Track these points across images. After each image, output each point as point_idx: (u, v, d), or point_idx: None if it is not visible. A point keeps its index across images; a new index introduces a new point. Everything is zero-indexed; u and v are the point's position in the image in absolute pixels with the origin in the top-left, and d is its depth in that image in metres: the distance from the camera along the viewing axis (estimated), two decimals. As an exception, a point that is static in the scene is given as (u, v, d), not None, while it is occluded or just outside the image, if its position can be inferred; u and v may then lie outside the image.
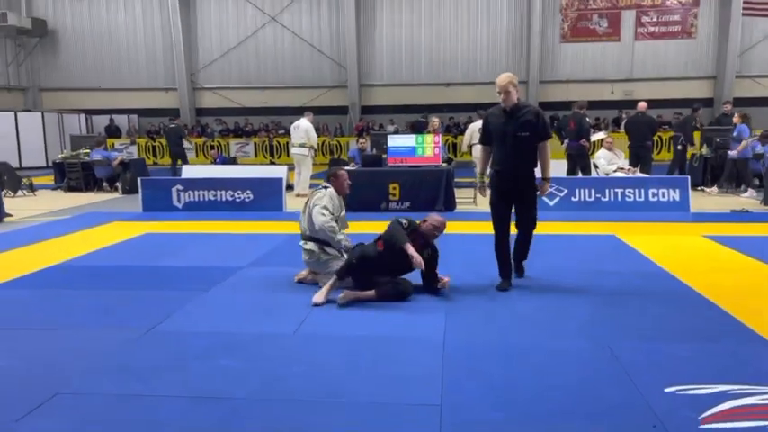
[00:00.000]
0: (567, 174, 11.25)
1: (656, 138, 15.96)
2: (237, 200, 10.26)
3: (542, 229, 8.30)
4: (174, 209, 10.20)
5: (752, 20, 21.47)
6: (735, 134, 11.76)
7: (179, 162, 15.20)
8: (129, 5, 24.34)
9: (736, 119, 12.08)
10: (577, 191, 9.83)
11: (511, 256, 5.42)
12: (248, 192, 10.27)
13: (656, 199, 9.72)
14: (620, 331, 4.24)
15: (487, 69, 23.05)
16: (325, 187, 5.64)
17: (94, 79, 24.74)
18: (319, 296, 4.93)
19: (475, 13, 23.10)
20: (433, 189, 9.82)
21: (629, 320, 4.47)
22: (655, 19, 22.24)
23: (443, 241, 5.49)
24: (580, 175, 11.17)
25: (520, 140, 5.06)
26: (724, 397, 3.20)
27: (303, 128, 12.57)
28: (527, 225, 5.35)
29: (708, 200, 11.05)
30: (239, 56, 24.14)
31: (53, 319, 4.67)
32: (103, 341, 4.14)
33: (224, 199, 10.26)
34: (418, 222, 5.20)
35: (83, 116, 23.31)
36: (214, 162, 14.59)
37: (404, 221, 5.10)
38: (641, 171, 11.24)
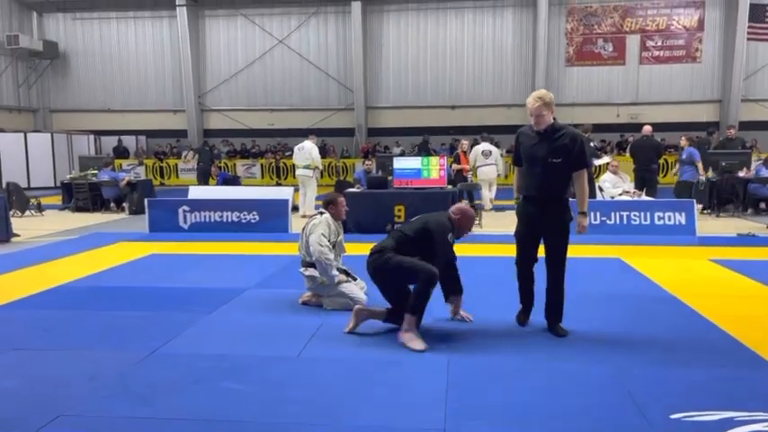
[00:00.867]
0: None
1: (661, 161, 15.98)
2: (243, 221, 10.29)
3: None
4: (181, 229, 10.23)
5: (756, 44, 21.59)
6: (684, 157, 11.95)
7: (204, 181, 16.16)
8: (140, 28, 24.72)
9: (683, 142, 12.39)
10: (583, 214, 9.81)
11: (533, 289, 4.82)
12: (254, 213, 10.30)
13: (661, 222, 9.69)
14: (625, 356, 4.21)
15: (493, 92, 23.24)
16: (321, 213, 5.60)
17: (104, 101, 25.06)
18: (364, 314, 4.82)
19: (480, 36, 23.33)
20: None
21: (635, 345, 4.44)
22: (659, 43, 22.40)
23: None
24: None
25: (551, 167, 4.48)
26: (730, 424, 3.16)
27: (307, 149, 12.65)
28: (554, 266, 4.59)
29: (714, 223, 11.02)
30: (247, 78, 24.41)
31: (57, 340, 4.67)
32: (107, 363, 4.14)
33: (230, 220, 10.29)
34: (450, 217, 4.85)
35: (92, 137, 23.54)
36: (216, 181, 14.78)
37: (450, 237, 4.67)
38: (647, 194, 11.23)
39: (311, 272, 5.44)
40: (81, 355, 4.31)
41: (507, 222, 10.25)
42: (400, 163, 10.28)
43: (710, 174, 12.55)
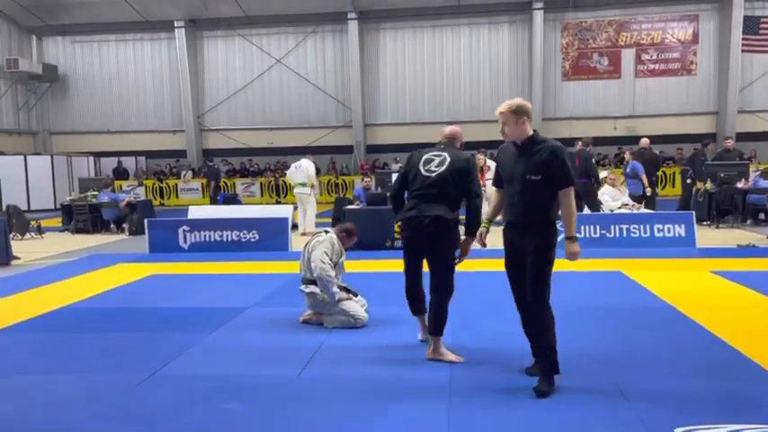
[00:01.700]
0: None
1: (660, 173, 16.03)
2: (243, 240, 10.29)
3: (548, 266, 8.32)
4: (181, 249, 10.23)
5: (751, 56, 21.72)
6: (628, 170, 12.08)
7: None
8: (139, 50, 24.90)
9: (627, 156, 12.58)
10: (582, 227, 9.81)
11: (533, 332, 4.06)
12: (254, 232, 10.30)
13: (661, 234, 9.69)
14: (628, 369, 4.19)
15: (490, 107, 23.15)
16: (326, 231, 5.62)
17: (103, 122, 25.17)
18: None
19: (477, 52, 23.49)
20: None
21: (638, 358, 4.42)
22: (654, 57, 22.55)
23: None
24: (586, 211, 11.17)
25: (530, 185, 3.86)
26: (735, 437, 3.15)
27: (304, 167, 12.69)
28: (531, 300, 3.92)
29: (713, 235, 11.02)
30: (245, 97, 24.54)
31: (56, 364, 4.66)
32: (108, 385, 4.12)
33: (230, 239, 10.29)
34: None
35: (91, 159, 23.60)
36: (216, 200, 14.86)
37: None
38: (646, 207, 11.24)
39: (312, 289, 5.43)
40: (80, 379, 4.29)
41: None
42: (399, 179, 10.28)
43: (709, 185, 12.59)
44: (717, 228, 11.82)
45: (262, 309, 6.22)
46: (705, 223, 12.00)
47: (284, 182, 21.79)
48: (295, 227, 12.27)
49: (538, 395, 3.74)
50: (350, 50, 23.23)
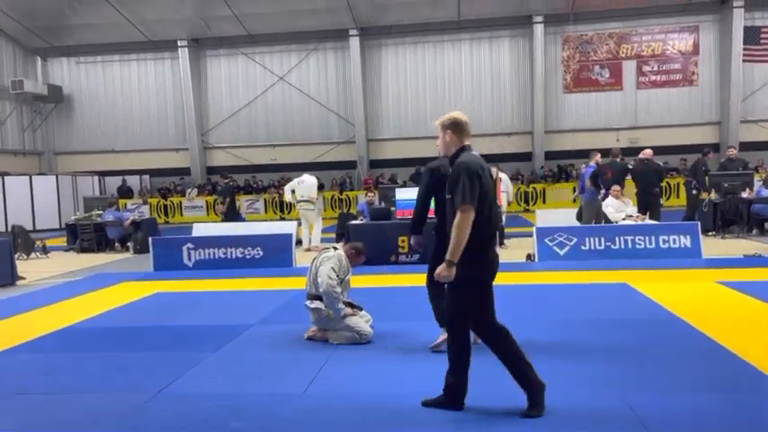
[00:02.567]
0: (584, 223, 11.26)
1: (663, 184, 15.98)
2: (248, 256, 10.29)
3: (553, 278, 8.29)
4: (185, 267, 10.22)
5: (752, 66, 21.78)
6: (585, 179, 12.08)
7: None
8: (142, 70, 25.13)
9: (583, 169, 12.62)
10: (587, 239, 9.79)
11: (526, 362, 3.76)
12: (258, 248, 10.30)
13: (666, 245, 9.65)
14: (636, 383, 4.15)
15: (492, 121, 23.42)
16: (335, 248, 5.62)
17: (108, 142, 25.35)
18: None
19: (478, 66, 23.61)
20: (442, 241, 9.80)
21: (646, 371, 4.38)
22: (656, 68, 22.63)
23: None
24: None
25: (447, 204, 3.75)
26: (746, 450, 3.10)
27: (308, 183, 12.71)
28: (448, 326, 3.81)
29: (719, 245, 10.97)
30: (249, 115, 24.70)
31: (61, 384, 4.63)
32: (111, 405, 4.10)
33: (234, 256, 10.29)
34: None
35: (96, 178, 23.72)
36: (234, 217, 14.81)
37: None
38: (650, 218, 11.21)
39: (317, 304, 5.41)
40: (85, 399, 4.27)
41: (514, 252, 10.24)
42: (403, 194, 10.28)
43: (714, 195, 12.56)
44: (722, 238, 11.78)
45: (266, 326, 6.20)
46: (711, 233, 11.96)
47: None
48: (299, 242, 12.27)
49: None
50: (352, 67, 23.39)
